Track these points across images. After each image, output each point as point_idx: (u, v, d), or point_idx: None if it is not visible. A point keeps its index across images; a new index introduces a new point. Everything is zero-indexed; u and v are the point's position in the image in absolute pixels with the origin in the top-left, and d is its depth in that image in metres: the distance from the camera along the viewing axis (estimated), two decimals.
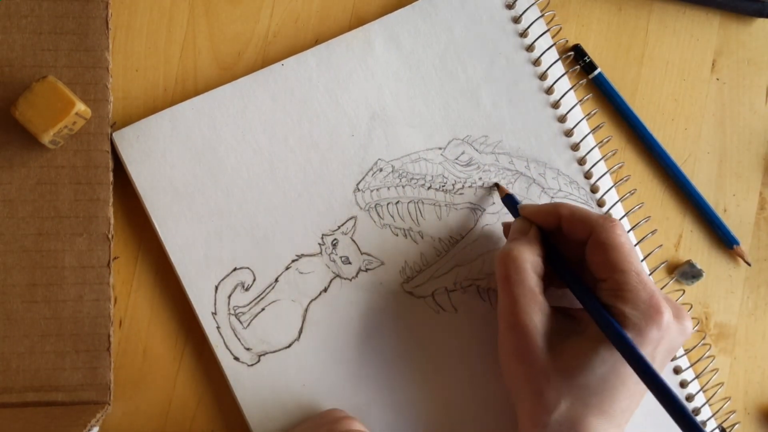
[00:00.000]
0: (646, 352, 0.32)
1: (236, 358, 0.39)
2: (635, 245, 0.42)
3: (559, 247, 0.37)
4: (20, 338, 0.38)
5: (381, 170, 0.41)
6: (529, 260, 0.35)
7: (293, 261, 0.40)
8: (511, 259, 0.35)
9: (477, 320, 0.41)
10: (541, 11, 0.42)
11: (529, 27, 0.42)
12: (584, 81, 0.43)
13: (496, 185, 0.41)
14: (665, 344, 0.33)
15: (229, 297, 0.40)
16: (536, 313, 0.34)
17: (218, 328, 0.39)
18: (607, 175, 0.42)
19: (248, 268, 0.40)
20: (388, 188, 0.41)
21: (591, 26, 0.44)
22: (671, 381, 0.41)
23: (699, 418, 0.41)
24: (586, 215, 0.35)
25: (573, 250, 0.36)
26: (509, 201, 0.40)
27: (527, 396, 0.34)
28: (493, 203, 0.42)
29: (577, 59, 0.43)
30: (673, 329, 0.33)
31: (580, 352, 0.33)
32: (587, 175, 0.42)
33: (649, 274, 0.41)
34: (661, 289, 0.42)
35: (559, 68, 0.42)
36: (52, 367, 0.38)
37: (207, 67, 0.42)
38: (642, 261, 0.41)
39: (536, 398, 0.33)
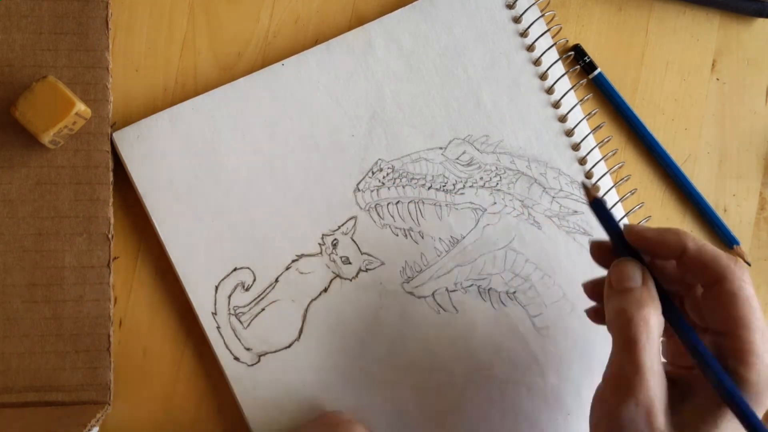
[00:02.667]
0: (762, 416, 0.30)
1: (236, 358, 0.39)
2: None
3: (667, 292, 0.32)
4: (20, 338, 0.38)
5: (381, 170, 0.41)
6: (657, 324, 0.31)
7: (293, 261, 0.40)
8: (643, 320, 0.30)
9: (478, 320, 0.41)
10: (542, 11, 0.42)
11: (529, 27, 0.42)
12: (584, 81, 0.43)
13: (583, 185, 0.35)
14: None
15: (230, 297, 0.40)
16: (659, 385, 0.30)
17: (218, 328, 0.39)
18: (608, 174, 0.42)
19: (248, 268, 0.40)
20: (389, 188, 0.41)
21: (591, 26, 0.44)
22: None
23: None
24: (717, 257, 0.31)
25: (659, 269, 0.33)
26: (598, 207, 0.34)
27: None
28: (494, 203, 0.42)
29: (578, 59, 0.43)
30: None
31: (697, 425, 0.30)
32: (588, 175, 0.42)
33: None
34: None
35: (560, 68, 0.42)
36: (52, 367, 0.38)
37: (207, 67, 0.42)
38: None
39: None
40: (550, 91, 0.42)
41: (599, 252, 0.35)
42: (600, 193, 0.42)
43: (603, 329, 0.40)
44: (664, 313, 0.32)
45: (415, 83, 0.42)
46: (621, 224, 0.34)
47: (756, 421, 0.29)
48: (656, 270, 0.33)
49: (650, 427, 0.30)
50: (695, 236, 0.32)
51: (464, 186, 0.42)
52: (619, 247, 0.34)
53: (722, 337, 0.31)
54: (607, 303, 0.33)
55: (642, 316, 0.31)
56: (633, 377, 0.30)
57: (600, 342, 0.41)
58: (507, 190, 0.42)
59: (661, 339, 0.32)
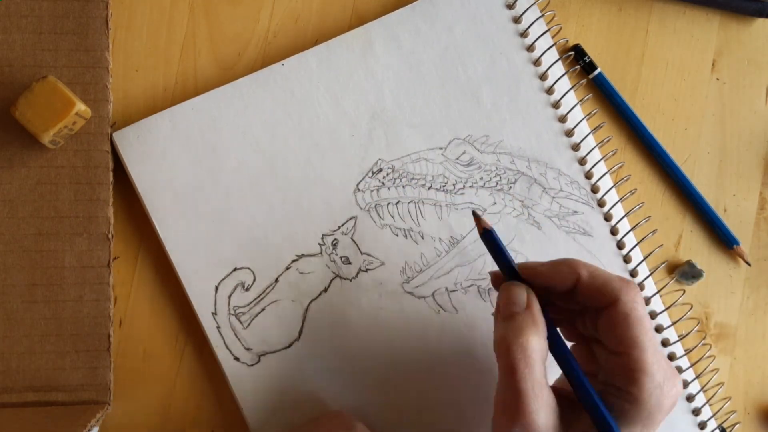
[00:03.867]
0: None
1: (236, 358, 0.39)
2: (635, 245, 0.42)
3: (551, 319, 0.33)
4: (20, 338, 0.38)
5: (381, 170, 0.41)
6: (538, 348, 0.31)
7: (293, 261, 0.40)
8: (521, 348, 0.31)
9: (478, 320, 0.41)
10: (542, 11, 0.42)
11: (529, 27, 0.42)
12: (584, 81, 0.43)
13: (474, 214, 0.36)
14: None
15: (230, 297, 0.40)
16: (543, 408, 0.31)
17: (218, 328, 0.39)
18: (608, 175, 0.42)
19: (248, 268, 0.40)
20: (389, 188, 0.41)
21: (591, 26, 0.44)
22: None
23: (699, 418, 0.41)
24: (608, 280, 0.32)
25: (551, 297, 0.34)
26: (489, 239, 0.35)
27: None
28: (494, 203, 0.42)
29: (578, 59, 0.43)
30: (675, 405, 0.32)
31: None
32: (588, 175, 0.42)
33: (649, 275, 0.41)
34: (661, 289, 0.42)
35: (560, 68, 0.42)
36: (52, 367, 0.38)
37: (207, 67, 0.42)
38: (642, 261, 0.41)
39: None
40: (550, 91, 0.42)
41: (498, 281, 0.36)
42: (599, 194, 0.42)
43: None
44: (552, 347, 0.32)
45: (415, 83, 0.42)
46: (514, 261, 0.34)
47: None
48: (556, 297, 0.34)
49: None
50: (588, 263, 0.33)
51: (464, 186, 0.42)
52: (511, 277, 0.34)
53: (616, 357, 0.32)
54: (494, 328, 0.33)
55: (520, 343, 0.31)
56: (516, 403, 0.30)
57: None
58: (507, 190, 0.42)
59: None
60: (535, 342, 0.31)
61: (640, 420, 0.31)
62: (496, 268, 0.35)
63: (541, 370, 0.31)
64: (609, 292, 0.32)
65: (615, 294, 0.32)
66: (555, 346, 0.33)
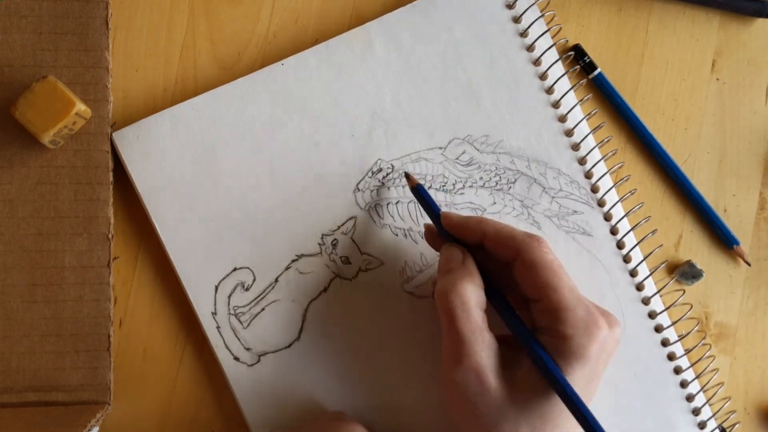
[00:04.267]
0: (588, 368, 0.32)
1: (236, 358, 0.39)
2: (635, 245, 0.42)
3: (490, 273, 0.36)
4: (20, 338, 0.38)
5: (381, 170, 0.41)
6: (474, 295, 0.34)
7: (293, 261, 0.40)
8: (457, 295, 0.33)
9: None
10: (541, 11, 0.42)
11: (529, 27, 0.42)
12: (584, 81, 0.43)
13: (405, 174, 0.40)
14: (604, 356, 0.33)
15: (229, 297, 0.40)
16: (484, 350, 0.33)
17: (218, 328, 0.39)
18: (608, 175, 0.42)
19: (248, 268, 0.40)
20: (388, 188, 0.41)
21: (591, 26, 0.44)
22: (671, 381, 0.41)
23: (699, 418, 0.41)
24: (511, 235, 0.34)
25: (495, 266, 0.36)
26: (419, 193, 0.38)
27: (480, 430, 0.33)
28: (494, 203, 0.42)
29: (577, 59, 0.43)
30: (609, 340, 0.33)
31: (530, 381, 0.32)
32: (587, 175, 0.42)
33: (649, 275, 0.41)
34: (661, 288, 0.42)
35: (560, 68, 0.42)
36: (52, 367, 0.38)
37: (207, 67, 0.42)
38: (642, 261, 0.41)
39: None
40: (550, 91, 0.42)
41: (431, 235, 0.38)
42: (599, 194, 0.42)
43: None
44: (488, 293, 0.35)
45: (415, 83, 0.42)
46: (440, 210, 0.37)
47: (568, 388, 0.31)
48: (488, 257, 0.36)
49: (482, 386, 0.32)
50: (496, 221, 0.36)
51: (464, 186, 0.42)
52: (441, 230, 0.37)
53: (538, 304, 0.34)
54: (436, 284, 0.36)
55: (456, 291, 0.33)
56: (457, 346, 0.33)
57: None
58: (507, 190, 0.42)
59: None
60: (471, 290, 0.34)
61: (573, 354, 0.32)
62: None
63: (479, 315, 0.34)
64: (513, 243, 0.34)
65: (518, 244, 0.34)
66: (494, 297, 0.35)
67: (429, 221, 0.39)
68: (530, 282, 0.34)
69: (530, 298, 0.34)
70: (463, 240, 0.36)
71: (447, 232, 0.37)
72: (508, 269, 0.35)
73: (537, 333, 0.34)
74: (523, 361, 0.33)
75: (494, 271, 0.36)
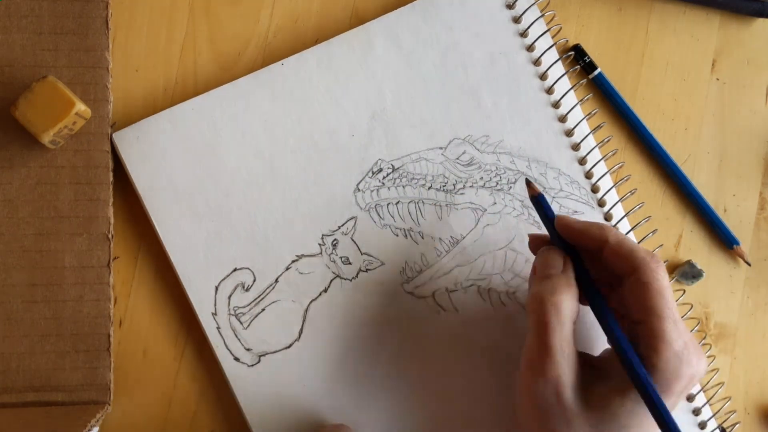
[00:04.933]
0: (670, 402, 0.32)
1: (236, 359, 0.39)
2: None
3: (596, 284, 0.35)
4: (20, 338, 0.38)
5: (381, 170, 0.41)
6: (570, 308, 0.33)
7: (293, 261, 0.40)
8: (554, 306, 0.33)
9: (478, 320, 0.41)
10: (541, 11, 0.42)
11: (529, 27, 0.42)
12: (584, 81, 0.43)
13: (527, 182, 0.38)
14: (686, 391, 0.33)
15: (230, 297, 0.40)
16: (568, 364, 0.32)
17: (218, 328, 0.39)
18: (608, 175, 0.42)
19: (248, 268, 0.40)
20: (389, 188, 0.41)
21: (591, 26, 0.44)
22: None
23: (699, 418, 0.41)
24: (634, 250, 0.33)
25: (589, 262, 0.35)
26: (539, 203, 0.37)
27: None
28: (494, 203, 0.42)
29: (577, 59, 0.43)
30: (695, 377, 0.33)
31: (606, 402, 0.32)
32: (588, 175, 0.42)
33: None
34: None
35: (560, 68, 0.42)
36: (52, 367, 0.38)
37: (207, 67, 0.42)
38: None
39: None
40: (550, 91, 0.42)
41: (535, 245, 0.38)
42: (600, 194, 0.42)
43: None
44: (589, 300, 0.34)
45: (415, 83, 0.42)
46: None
47: (658, 401, 0.31)
48: (589, 262, 0.36)
49: (559, 400, 0.32)
50: (618, 231, 0.35)
51: (464, 186, 0.42)
52: (554, 238, 0.36)
53: (638, 326, 0.33)
54: (529, 288, 0.35)
55: (554, 302, 0.33)
56: (543, 357, 0.32)
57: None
58: (507, 190, 0.42)
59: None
60: (568, 301, 0.33)
61: (659, 388, 0.32)
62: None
63: (570, 329, 0.33)
64: (633, 259, 0.33)
65: (638, 262, 0.33)
66: (595, 304, 0.34)
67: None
68: (638, 302, 0.33)
69: (632, 319, 0.34)
70: (579, 245, 0.35)
71: (560, 237, 0.36)
72: (616, 280, 0.35)
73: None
74: (599, 378, 0.33)
75: (599, 279, 0.35)
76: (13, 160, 0.38)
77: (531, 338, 0.33)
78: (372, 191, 0.41)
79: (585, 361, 0.34)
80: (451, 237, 0.41)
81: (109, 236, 0.39)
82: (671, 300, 0.33)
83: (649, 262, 0.33)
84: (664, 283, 0.33)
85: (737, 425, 0.42)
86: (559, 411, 0.32)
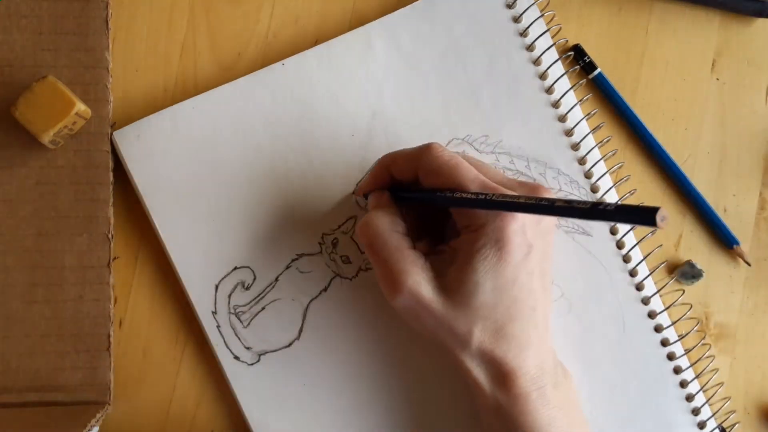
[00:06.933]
0: (515, 247, 0.33)
1: (236, 358, 0.39)
2: (635, 245, 0.42)
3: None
4: (20, 338, 0.38)
5: None
6: (385, 221, 0.35)
7: (293, 260, 0.40)
8: (366, 226, 0.35)
9: None
10: (541, 11, 0.42)
11: (529, 27, 0.42)
12: (584, 81, 0.43)
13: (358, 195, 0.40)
14: (531, 233, 0.34)
15: (230, 296, 0.40)
16: (411, 265, 0.34)
17: (218, 327, 0.40)
18: (607, 174, 0.42)
19: (248, 267, 0.40)
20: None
21: (591, 26, 0.44)
22: (671, 381, 0.41)
23: (699, 418, 0.41)
24: (407, 154, 0.36)
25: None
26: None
27: (446, 341, 0.34)
28: None
29: (577, 59, 0.43)
30: (527, 218, 0.33)
31: (462, 278, 0.33)
32: (587, 175, 0.42)
33: (649, 275, 0.41)
34: (661, 288, 0.42)
35: (559, 68, 0.42)
36: (52, 367, 0.38)
37: (207, 67, 0.42)
38: (642, 261, 0.41)
39: (453, 338, 0.34)
40: (549, 91, 0.42)
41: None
42: (599, 194, 0.42)
43: (602, 328, 0.40)
44: (418, 202, 0.36)
45: (415, 83, 0.42)
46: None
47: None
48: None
49: (421, 304, 0.33)
50: (391, 153, 0.37)
51: None
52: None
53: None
54: None
55: (366, 223, 0.35)
56: (388, 276, 0.34)
57: (598, 341, 0.41)
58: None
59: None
60: (380, 217, 0.35)
61: (494, 241, 0.33)
62: None
63: (396, 238, 0.34)
64: (411, 161, 0.35)
65: (416, 162, 0.35)
66: (408, 197, 0.36)
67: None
68: (438, 186, 0.34)
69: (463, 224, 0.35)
70: (395, 184, 0.37)
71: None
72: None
73: (462, 235, 0.34)
74: (451, 265, 0.34)
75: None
76: (13, 160, 0.38)
77: (372, 265, 0.36)
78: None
79: (432, 253, 0.35)
80: None
81: (109, 236, 0.39)
82: (461, 168, 0.34)
83: (420, 152, 0.35)
84: (442, 159, 0.34)
85: (737, 425, 0.42)
86: (427, 312, 0.34)
